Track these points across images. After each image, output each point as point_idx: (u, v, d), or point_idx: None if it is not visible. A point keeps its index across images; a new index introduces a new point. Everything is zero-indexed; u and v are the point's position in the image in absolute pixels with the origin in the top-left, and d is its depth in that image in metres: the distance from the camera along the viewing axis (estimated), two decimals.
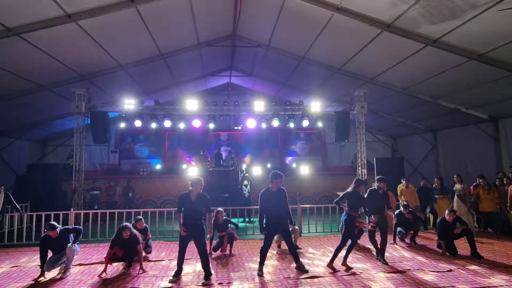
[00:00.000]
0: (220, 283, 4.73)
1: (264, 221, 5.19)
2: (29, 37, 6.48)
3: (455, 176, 8.55)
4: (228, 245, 6.55)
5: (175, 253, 6.42)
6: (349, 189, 5.60)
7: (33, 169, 10.60)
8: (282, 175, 5.22)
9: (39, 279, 4.97)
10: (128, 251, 5.27)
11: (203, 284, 4.67)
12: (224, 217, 6.72)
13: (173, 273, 5.05)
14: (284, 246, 6.69)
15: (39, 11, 5.93)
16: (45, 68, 7.95)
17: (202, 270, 4.91)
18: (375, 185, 6.05)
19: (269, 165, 14.22)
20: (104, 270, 5.15)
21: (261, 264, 5.15)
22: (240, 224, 7.10)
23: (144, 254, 6.07)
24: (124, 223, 5.42)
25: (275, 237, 6.02)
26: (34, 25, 6.18)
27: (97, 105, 9.90)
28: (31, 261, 6.06)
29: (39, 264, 5.12)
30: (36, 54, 7.09)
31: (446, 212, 6.35)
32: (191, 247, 6.89)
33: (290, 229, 5.70)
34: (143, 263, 5.46)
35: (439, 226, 6.36)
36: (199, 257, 4.98)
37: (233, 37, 9.71)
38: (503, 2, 5.14)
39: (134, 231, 5.50)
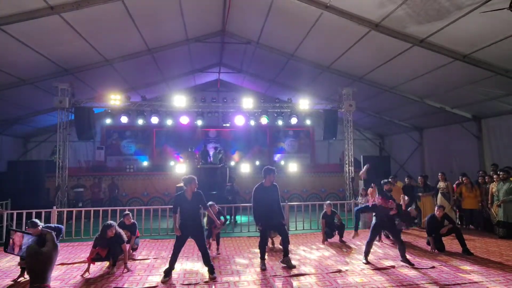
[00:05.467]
0: (206, 282, 4.70)
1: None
2: (10, 29, 6.26)
3: (439, 174, 8.76)
4: (215, 242, 6.52)
5: (161, 252, 6.38)
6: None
7: (14, 166, 10.28)
8: (274, 170, 5.43)
9: (19, 279, 4.81)
10: (113, 251, 5.17)
11: (211, 278, 4.75)
12: (217, 210, 6.68)
13: (160, 271, 5.01)
14: (272, 244, 6.72)
15: (20, 2, 5.73)
16: (26, 62, 7.70)
17: (205, 266, 4.93)
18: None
19: (257, 163, 14.22)
20: (87, 270, 5.04)
21: (262, 258, 5.32)
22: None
23: (130, 252, 6.01)
24: (109, 222, 5.31)
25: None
26: (14, 16, 5.97)
27: (81, 100, 9.66)
28: (10, 260, 5.88)
29: (18, 263, 4.97)
30: (17, 47, 6.86)
31: (435, 208, 6.42)
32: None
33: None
34: (128, 262, 5.36)
35: (428, 223, 6.43)
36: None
37: (223, 33, 9.62)
38: (486, 4, 5.23)
39: (119, 229, 5.39)
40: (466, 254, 5.96)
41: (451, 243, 6.51)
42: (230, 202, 10.05)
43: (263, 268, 5.18)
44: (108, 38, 7.94)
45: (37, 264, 0.81)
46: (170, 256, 4.98)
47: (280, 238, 5.54)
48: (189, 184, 4.97)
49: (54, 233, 5.11)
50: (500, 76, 7.11)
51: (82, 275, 4.96)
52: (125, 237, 5.43)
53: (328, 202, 7.51)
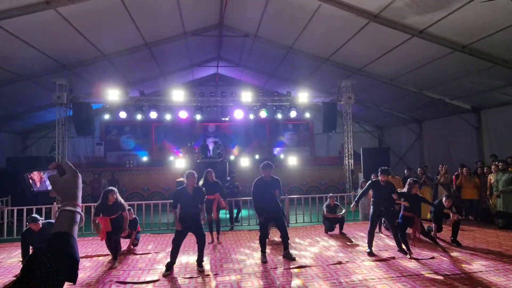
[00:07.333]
0: (207, 275, 4.73)
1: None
2: (5, 25, 6.18)
3: (440, 167, 8.81)
4: (215, 233, 6.60)
5: (162, 246, 6.41)
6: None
7: (14, 162, 10.27)
8: (272, 165, 5.52)
9: None
10: (115, 225, 5.27)
11: (199, 271, 4.84)
12: (214, 179, 6.76)
13: (161, 266, 5.07)
14: (271, 237, 6.74)
15: None
16: (23, 57, 7.62)
17: (197, 257, 5.01)
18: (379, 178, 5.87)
19: (257, 156, 14.21)
20: (102, 237, 5.24)
21: (263, 252, 5.37)
22: (221, 216, 7.11)
23: (131, 247, 6.08)
24: (110, 187, 5.41)
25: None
26: (9, 11, 5.88)
27: (79, 96, 9.62)
28: (11, 256, 5.90)
29: (21, 259, 5.00)
30: (13, 42, 6.78)
31: (444, 199, 6.38)
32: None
33: None
34: (130, 256, 5.41)
35: (436, 210, 6.41)
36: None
37: (220, 26, 9.53)
38: None
39: (120, 198, 5.48)
40: (455, 244, 6.02)
41: (450, 234, 6.53)
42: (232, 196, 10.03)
43: (264, 261, 5.23)
44: (105, 32, 7.87)
45: (63, 189, 0.85)
46: (170, 250, 5.01)
47: (278, 231, 5.59)
48: (187, 179, 5.06)
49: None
50: (499, 66, 7.07)
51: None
52: (125, 205, 5.51)
53: (331, 194, 7.58)
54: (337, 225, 7.27)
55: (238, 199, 8.73)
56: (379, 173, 5.81)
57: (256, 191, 5.45)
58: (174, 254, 4.93)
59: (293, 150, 15.17)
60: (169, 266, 4.86)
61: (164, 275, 4.70)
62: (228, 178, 10.44)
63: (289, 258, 5.32)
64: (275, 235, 6.74)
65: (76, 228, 1.02)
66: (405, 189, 6.04)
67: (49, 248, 0.93)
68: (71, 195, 1.07)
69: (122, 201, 5.50)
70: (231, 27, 9.45)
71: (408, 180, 6.09)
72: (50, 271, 0.86)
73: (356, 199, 6.03)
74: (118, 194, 5.41)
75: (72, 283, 0.93)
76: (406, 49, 7.56)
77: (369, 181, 6.15)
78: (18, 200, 8.77)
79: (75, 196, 1.07)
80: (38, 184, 1.08)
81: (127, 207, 5.58)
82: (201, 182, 6.53)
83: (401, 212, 5.94)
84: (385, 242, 6.47)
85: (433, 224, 6.46)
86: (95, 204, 7.99)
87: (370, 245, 5.68)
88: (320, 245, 6.30)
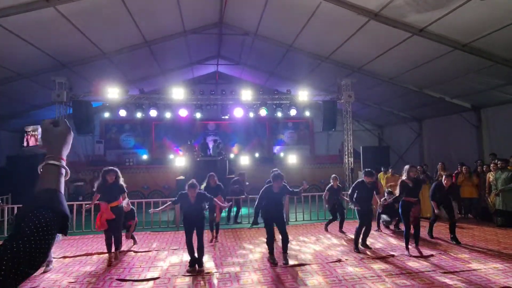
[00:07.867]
0: (208, 273, 4.75)
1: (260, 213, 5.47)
2: (4, 22, 6.17)
3: (439, 164, 8.82)
4: (214, 231, 6.64)
5: (162, 244, 6.43)
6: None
7: (13, 161, 10.26)
8: (283, 176, 5.47)
9: None
10: (116, 213, 5.32)
11: (199, 271, 4.85)
12: (216, 183, 6.79)
13: (161, 263, 5.13)
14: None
15: None
16: (22, 56, 7.60)
17: (197, 257, 5.01)
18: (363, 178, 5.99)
19: (257, 155, 14.22)
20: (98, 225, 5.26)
21: (271, 253, 5.33)
22: (223, 214, 7.11)
23: (130, 238, 6.23)
24: (110, 167, 5.43)
25: None
26: (9, 9, 5.87)
27: (79, 94, 9.60)
28: None
29: None
30: (12, 40, 6.75)
31: (444, 177, 6.36)
32: (179, 237, 6.90)
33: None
34: (130, 253, 5.43)
35: (434, 188, 6.38)
36: (186, 247, 5.01)
37: (220, 25, 9.51)
38: None
39: (122, 182, 5.53)
40: (454, 242, 6.04)
41: (448, 232, 6.54)
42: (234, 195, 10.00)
43: (274, 263, 5.09)
44: (104, 30, 7.84)
45: (52, 140, 0.85)
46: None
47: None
48: (188, 190, 5.07)
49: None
50: (499, 65, 7.06)
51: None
52: (125, 187, 5.60)
53: (334, 175, 7.51)
54: (337, 222, 7.28)
55: (238, 197, 8.72)
56: (363, 175, 5.94)
57: (263, 199, 5.42)
58: (190, 250, 4.99)
59: (293, 149, 15.17)
60: (191, 263, 4.93)
61: (188, 271, 4.78)
62: (232, 176, 10.40)
63: (285, 261, 5.14)
64: (276, 233, 6.75)
65: (62, 181, 1.01)
66: (403, 177, 5.76)
67: (37, 205, 0.90)
68: (58, 147, 1.06)
69: (124, 185, 5.57)
70: (231, 25, 9.43)
71: (405, 167, 5.90)
72: (39, 227, 0.85)
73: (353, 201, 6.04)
74: (119, 175, 5.45)
75: (64, 235, 0.92)
76: (406, 48, 7.54)
77: (356, 182, 6.14)
78: (18, 198, 8.79)
79: (61, 150, 1.07)
80: (32, 142, 1.10)
81: (125, 187, 5.65)
82: (203, 186, 6.52)
83: (403, 198, 5.74)
84: (385, 240, 6.49)
85: (432, 202, 6.36)
86: (95, 202, 8.04)
87: (356, 244, 5.76)
88: (320, 243, 6.32)
